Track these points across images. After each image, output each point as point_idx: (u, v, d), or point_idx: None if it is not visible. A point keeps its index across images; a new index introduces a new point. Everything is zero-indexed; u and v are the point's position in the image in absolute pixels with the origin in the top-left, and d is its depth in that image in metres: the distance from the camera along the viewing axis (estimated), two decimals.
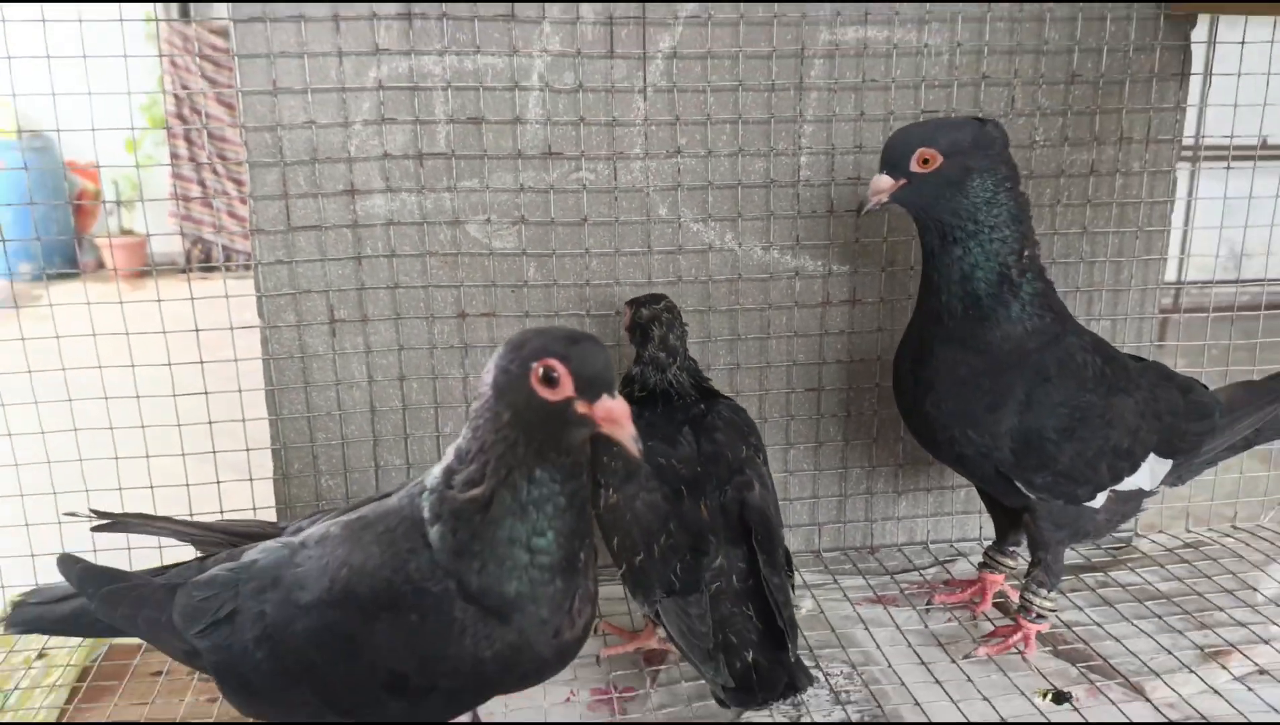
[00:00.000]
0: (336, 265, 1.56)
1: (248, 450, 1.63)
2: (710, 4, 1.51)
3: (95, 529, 1.24)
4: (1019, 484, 1.37)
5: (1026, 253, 1.34)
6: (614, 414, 0.88)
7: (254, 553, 1.08)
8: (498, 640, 0.97)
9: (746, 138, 1.58)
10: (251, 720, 1.21)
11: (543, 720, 1.34)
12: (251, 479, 1.64)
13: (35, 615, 1.16)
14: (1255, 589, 1.63)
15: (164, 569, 1.17)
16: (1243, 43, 1.66)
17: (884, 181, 1.32)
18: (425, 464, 1.66)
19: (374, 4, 1.46)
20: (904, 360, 1.44)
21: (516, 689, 1.10)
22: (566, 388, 0.88)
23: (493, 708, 1.26)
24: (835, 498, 1.77)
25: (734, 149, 1.58)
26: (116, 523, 1.24)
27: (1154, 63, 1.63)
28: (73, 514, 1.28)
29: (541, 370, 0.88)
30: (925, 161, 1.30)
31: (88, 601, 1.11)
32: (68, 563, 1.14)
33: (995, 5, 1.57)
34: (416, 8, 1.47)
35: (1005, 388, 1.33)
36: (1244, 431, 1.51)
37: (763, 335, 1.67)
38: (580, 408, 0.89)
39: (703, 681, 1.37)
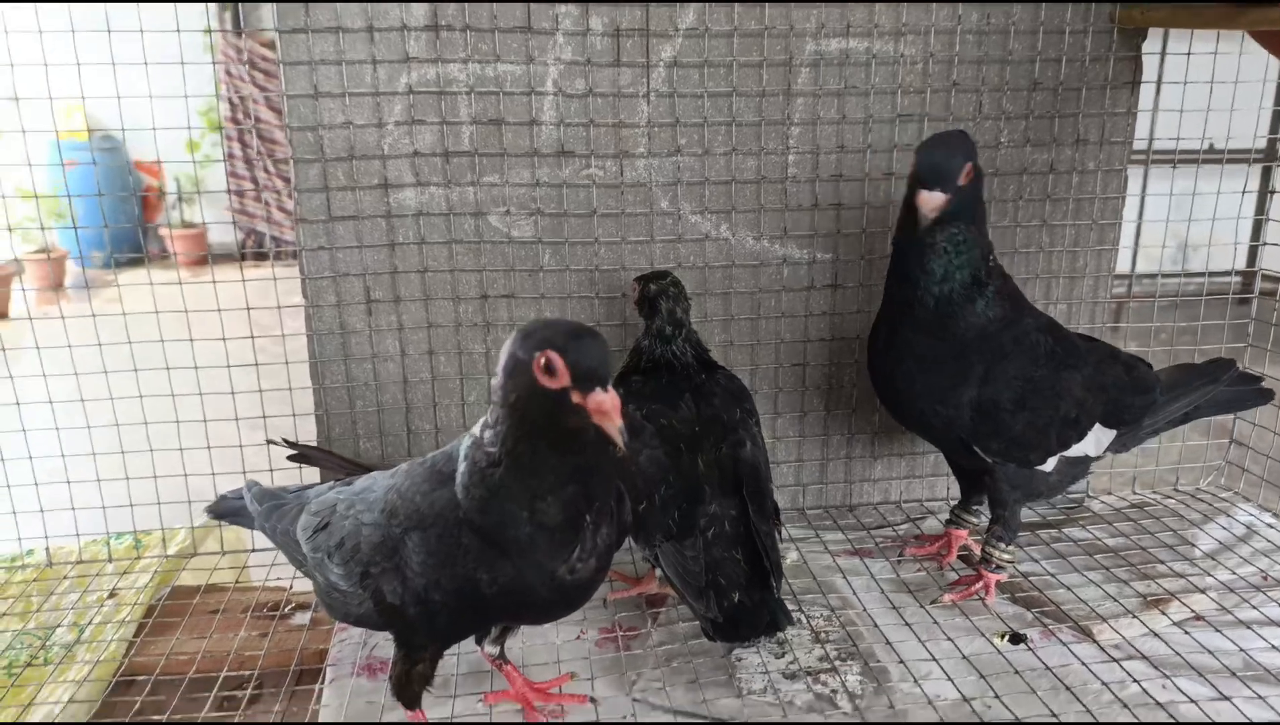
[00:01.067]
0: (372, 251, 1.57)
1: (294, 416, 1.65)
2: (707, 17, 1.51)
3: (291, 458, 1.48)
4: (978, 449, 1.38)
5: (992, 256, 1.35)
6: (604, 406, 0.88)
7: (361, 480, 1.17)
8: (495, 569, 1.00)
9: (740, 138, 1.59)
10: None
11: (555, 656, 1.36)
12: (298, 442, 1.66)
13: (227, 508, 1.37)
14: (1193, 545, 1.64)
15: (308, 487, 1.29)
16: (1189, 54, 1.65)
17: (939, 198, 1.28)
18: (452, 430, 1.68)
19: (405, 15, 1.46)
20: (876, 342, 1.45)
21: (520, 617, 1.13)
22: (564, 378, 0.88)
23: (510, 643, 1.28)
24: (818, 461, 1.78)
25: (728, 148, 1.59)
26: (303, 454, 1.47)
27: (1108, 72, 1.63)
28: (272, 441, 1.50)
29: (544, 361, 0.89)
30: (967, 175, 1.29)
31: (255, 509, 1.28)
32: (251, 484, 1.34)
33: (965, 19, 1.57)
34: (443, 20, 1.47)
35: (967, 366, 1.34)
36: (1183, 408, 1.51)
37: (753, 316, 1.67)
38: (575, 397, 0.89)
39: (697, 620, 1.39)
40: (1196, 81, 1.66)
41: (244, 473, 1.62)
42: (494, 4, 1.47)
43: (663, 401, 1.36)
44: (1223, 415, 1.65)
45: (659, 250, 1.62)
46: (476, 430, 1.02)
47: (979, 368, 1.34)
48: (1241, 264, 1.92)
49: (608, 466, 1.00)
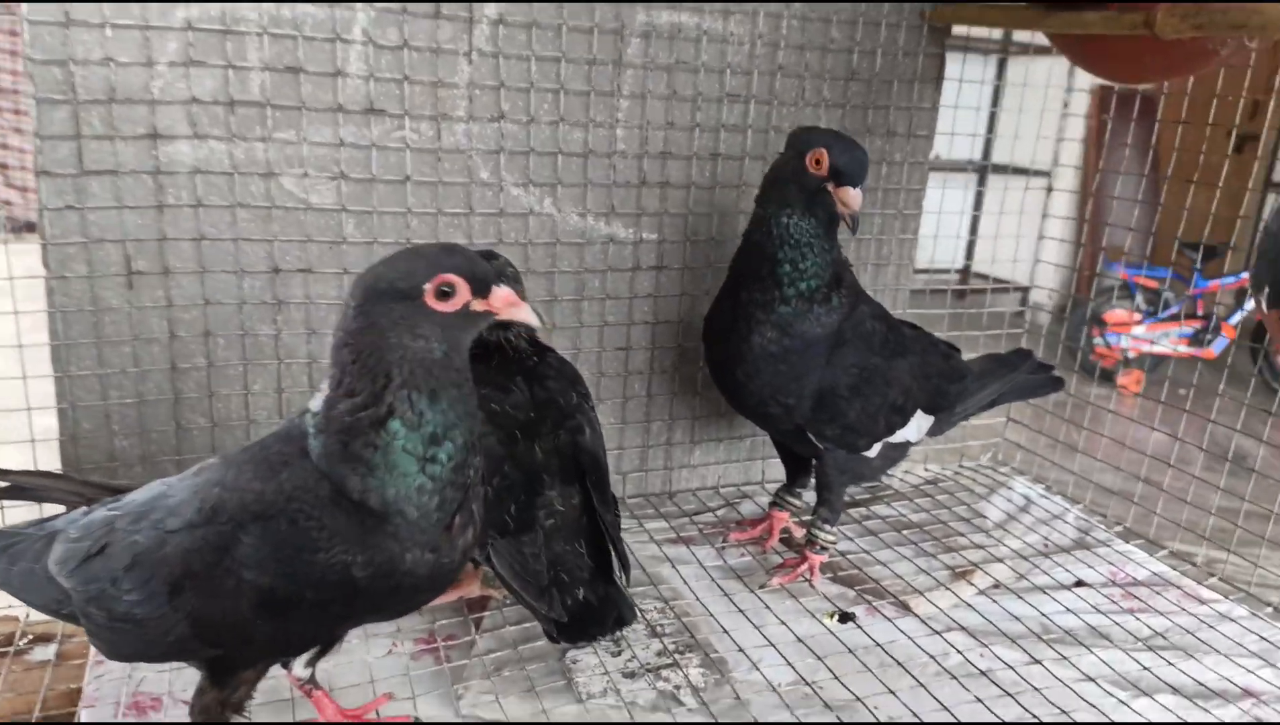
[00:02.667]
0: (135, 214, 1.33)
1: (29, 409, 1.37)
2: None
3: None
4: (811, 436, 1.39)
5: (843, 256, 1.37)
6: (510, 298, 0.88)
7: (135, 493, 0.98)
8: (370, 548, 0.88)
9: (567, 107, 1.50)
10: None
11: (368, 675, 1.21)
12: (34, 441, 1.38)
13: None
14: (985, 517, 1.76)
15: (49, 519, 1.05)
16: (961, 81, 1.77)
17: (861, 196, 1.30)
18: (232, 425, 1.47)
19: None
20: (716, 330, 1.42)
21: (387, 608, 0.99)
22: (463, 294, 0.87)
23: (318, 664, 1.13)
24: (638, 448, 1.74)
25: (555, 117, 1.50)
26: (16, 486, 1.10)
27: (917, 66, 1.70)
28: None
29: (436, 288, 0.85)
30: None
31: None
32: None
33: (790, 4, 1.58)
34: None
35: (812, 358, 1.34)
36: (990, 395, 1.61)
37: (577, 297, 1.60)
38: (478, 306, 0.88)
39: (528, 624, 1.30)
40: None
41: None
42: None
43: (493, 386, 1.25)
44: (1022, 400, 1.78)
45: (478, 224, 1.50)
46: (317, 408, 0.90)
47: (821, 359, 1.34)
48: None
49: (479, 415, 0.94)
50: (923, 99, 1.73)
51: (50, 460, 1.39)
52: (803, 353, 1.33)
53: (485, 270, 0.88)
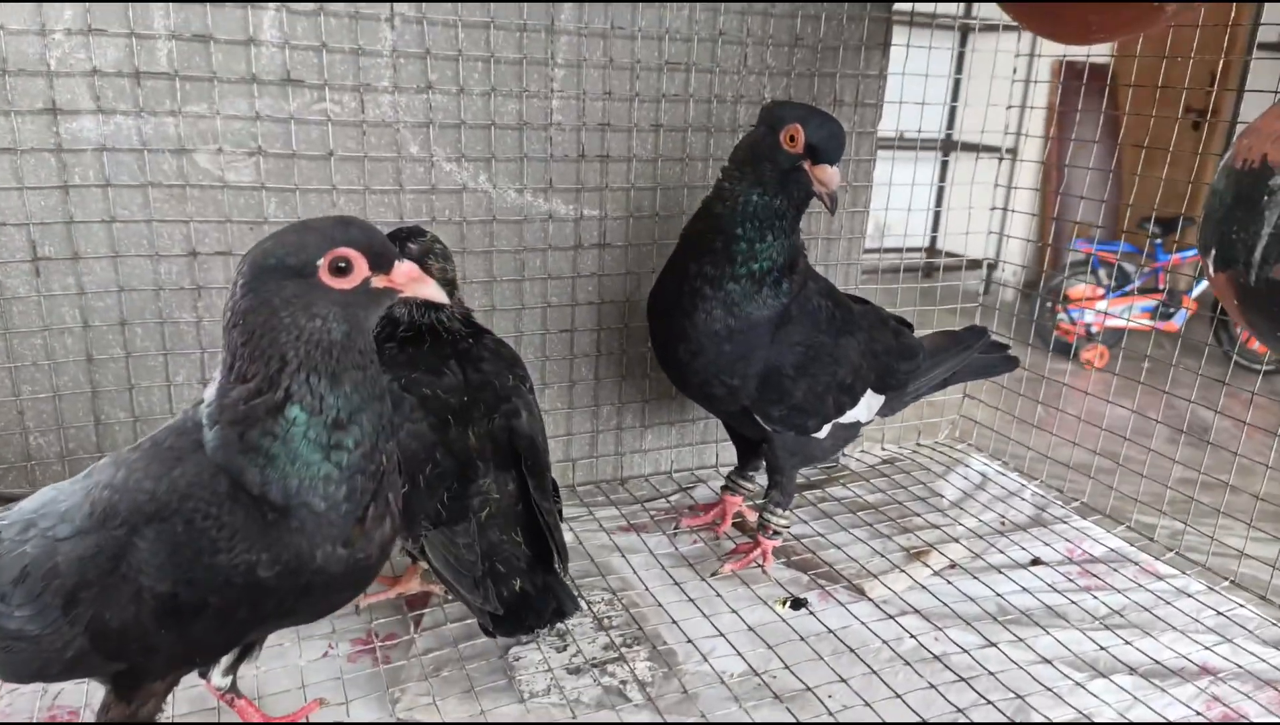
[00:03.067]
0: (38, 195, 1.25)
1: None
2: None
3: None
4: (758, 418, 1.34)
5: (801, 241, 1.31)
6: (412, 273, 0.83)
7: (25, 500, 0.90)
8: (275, 543, 0.82)
9: (499, 77, 1.43)
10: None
11: (299, 680, 1.15)
12: None
13: None
14: (941, 495, 1.73)
15: None
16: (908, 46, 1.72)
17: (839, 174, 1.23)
18: (154, 418, 1.39)
19: None
20: (660, 306, 1.35)
21: (300, 610, 0.91)
22: (361, 269, 0.80)
23: (241, 670, 1.06)
24: (588, 434, 1.68)
25: (487, 88, 1.42)
26: None
27: (863, 32, 1.65)
28: None
29: (330, 263, 0.79)
30: None
31: None
32: None
33: None
34: None
35: (756, 338, 1.28)
36: (943, 374, 1.57)
37: (518, 277, 1.53)
38: (379, 282, 0.82)
39: (470, 622, 1.24)
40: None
41: None
42: None
43: (424, 369, 1.18)
44: (976, 380, 1.74)
45: (409, 202, 1.43)
46: (210, 397, 0.84)
47: (766, 338, 1.28)
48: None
49: (407, 428, 0.90)
50: (869, 65, 1.67)
51: None
52: (748, 333, 1.28)
53: (383, 244, 0.82)
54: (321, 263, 0.79)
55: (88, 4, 1.20)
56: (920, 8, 1.73)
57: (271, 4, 1.28)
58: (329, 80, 1.33)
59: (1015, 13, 1.42)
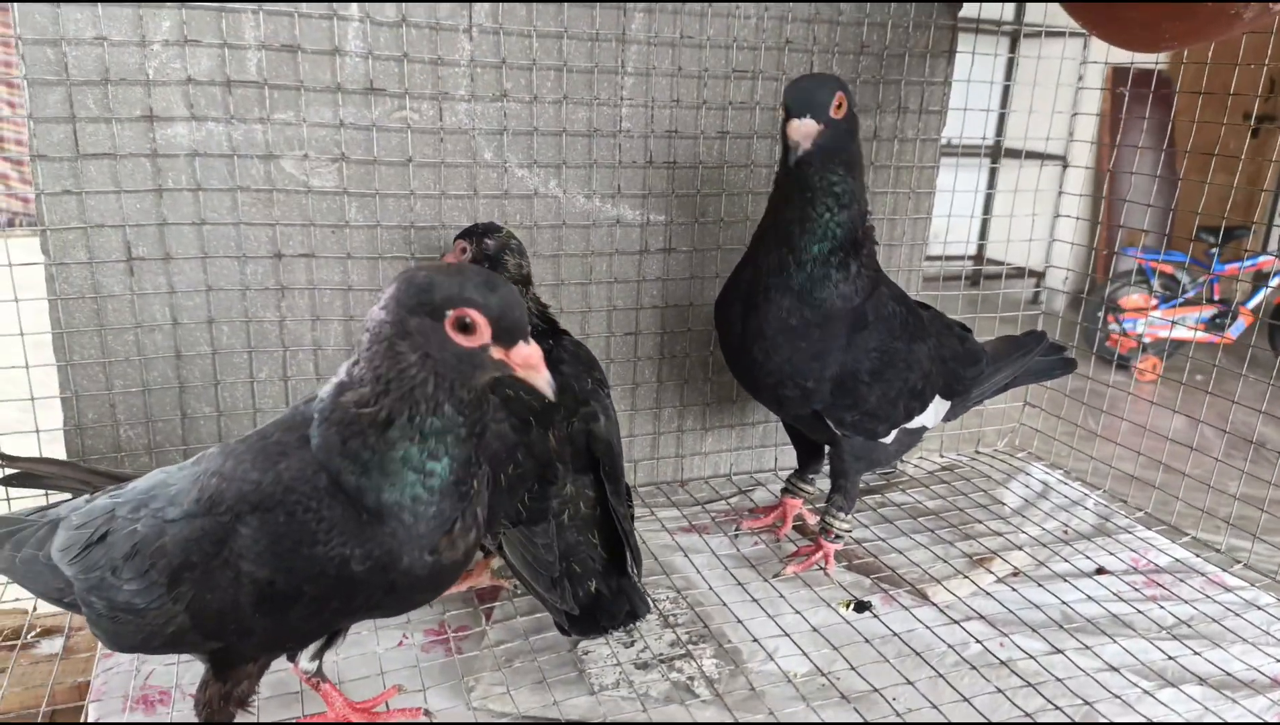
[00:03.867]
0: (134, 198, 1.30)
1: (32, 399, 1.35)
2: None
3: (5, 481, 1.11)
4: (829, 422, 1.35)
5: (869, 215, 1.31)
6: (530, 360, 0.82)
7: (137, 481, 0.95)
8: (368, 541, 0.85)
9: (570, 85, 1.46)
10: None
11: (377, 668, 1.19)
12: (38, 431, 1.36)
13: None
14: (1003, 503, 1.72)
15: (54, 505, 1.03)
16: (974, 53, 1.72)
17: (811, 125, 1.18)
18: (238, 413, 1.44)
19: None
20: (732, 306, 1.35)
21: (386, 605, 0.95)
22: (484, 335, 0.81)
23: (326, 656, 1.10)
24: (650, 436, 1.71)
25: (559, 96, 1.46)
26: (28, 473, 1.11)
27: (929, 39, 1.65)
28: None
29: (457, 318, 0.80)
30: (839, 107, 1.20)
31: None
32: None
33: None
34: None
35: (831, 337, 1.28)
36: (1005, 378, 1.57)
37: (584, 281, 1.56)
38: (496, 354, 0.82)
39: (539, 615, 1.27)
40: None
41: None
42: None
43: None
44: (1036, 382, 1.73)
45: (482, 206, 1.47)
46: (327, 393, 0.87)
47: (842, 339, 1.29)
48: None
49: (490, 429, 0.90)
50: (934, 73, 1.68)
51: (56, 450, 1.37)
52: (823, 327, 1.28)
53: (515, 320, 0.81)
54: (450, 313, 0.80)
55: (184, 14, 1.25)
56: (984, 10, 1.73)
57: (355, 17, 1.32)
58: (409, 89, 1.37)
59: (1084, 19, 1.41)
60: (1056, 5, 1.46)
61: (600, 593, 1.15)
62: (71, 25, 1.21)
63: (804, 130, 1.18)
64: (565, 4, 1.41)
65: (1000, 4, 1.67)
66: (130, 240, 1.32)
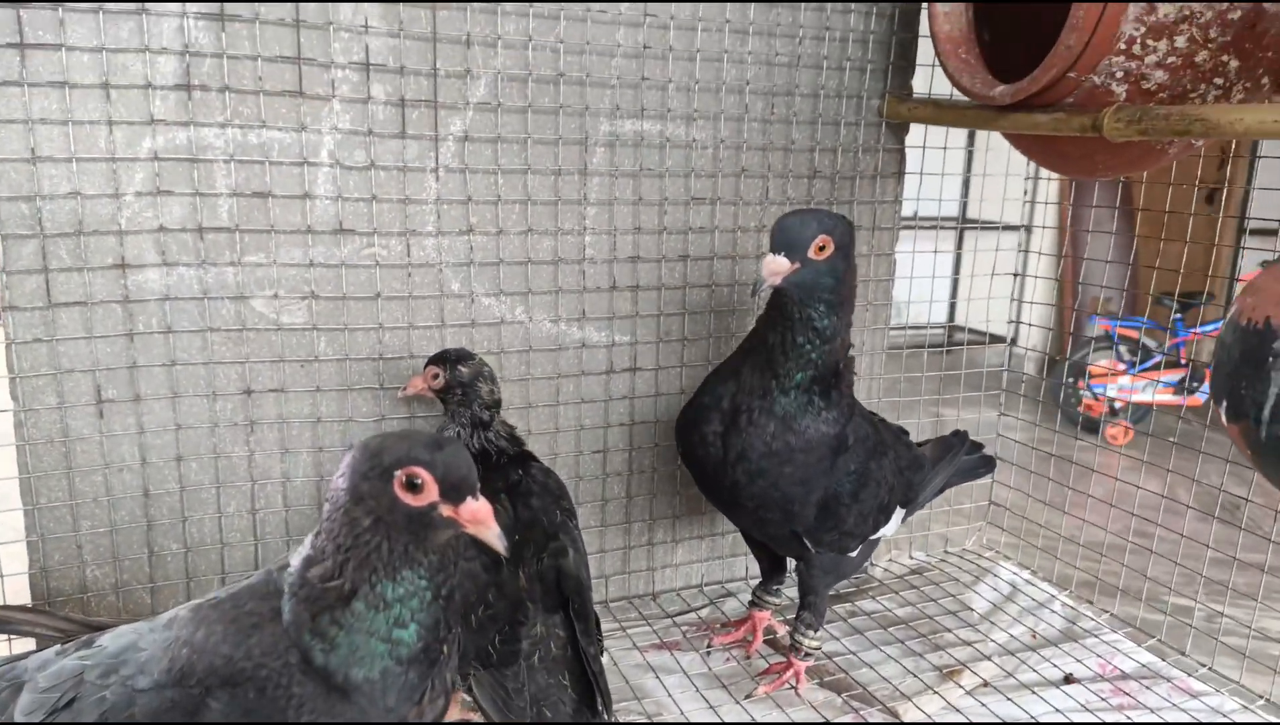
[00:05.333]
0: (105, 343, 1.33)
1: None
2: (500, 92, 1.43)
3: None
4: (808, 542, 1.36)
5: (851, 347, 1.35)
6: (479, 515, 0.83)
7: (105, 638, 0.95)
8: (337, 717, 0.86)
9: (535, 217, 1.51)
10: None
11: None
12: (1, 575, 1.36)
13: None
14: (971, 608, 1.74)
15: (20, 657, 1.02)
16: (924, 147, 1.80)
17: (782, 263, 1.21)
18: (204, 548, 1.45)
19: (150, 72, 1.26)
20: (707, 425, 1.35)
21: None
22: (431, 493, 0.83)
23: None
24: (620, 550, 1.72)
25: (524, 228, 1.51)
26: None
27: (878, 162, 1.73)
28: None
29: (405, 477, 0.82)
30: (821, 249, 1.23)
31: None
32: None
33: (751, 108, 1.60)
34: (196, 79, 1.28)
35: (816, 462, 1.30)
36: (941, 481, 1.61)
37: (553, 402, 1.59)
38: (445, 511, 0.83)
39: None
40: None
41: None
42: (260, 62, 1.31)
43: None
44: (963, 483, 1.77)
45: (450, 335, 1.50)
46: (296, 567, 0.88)
47: (826, 464, 1.31)
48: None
49: (461, 588, 0.92)
50: (885, 193, 1.75)
51: (20, 593, 1.36)
52: (807, 453, 1.29)
53: (463, 478, 0.83)
54: (398, 474, 0.82)
55: (157, 166, 1.29)
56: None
57: (326, 162, 1.37)
58: (378, 227, 1.42)
59: (1024, 149, 1.49)
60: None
61: None
62: (46, 181, 1.25)
63: (772, 267, 1.22)
64: (529, 146, 1.47)
65: (946, 132, 1.74)
66: (100, 383, 1.34)
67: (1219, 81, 1.28)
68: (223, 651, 0.87)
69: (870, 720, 1.39)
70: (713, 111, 1.58)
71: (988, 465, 1.73)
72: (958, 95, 1.50)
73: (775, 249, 1.23)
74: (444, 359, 1.33)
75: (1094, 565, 1.80)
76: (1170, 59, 1.25)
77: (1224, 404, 0.96)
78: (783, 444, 1.29)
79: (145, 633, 0.94)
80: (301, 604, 0.86)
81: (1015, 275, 2.04)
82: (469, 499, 0.83)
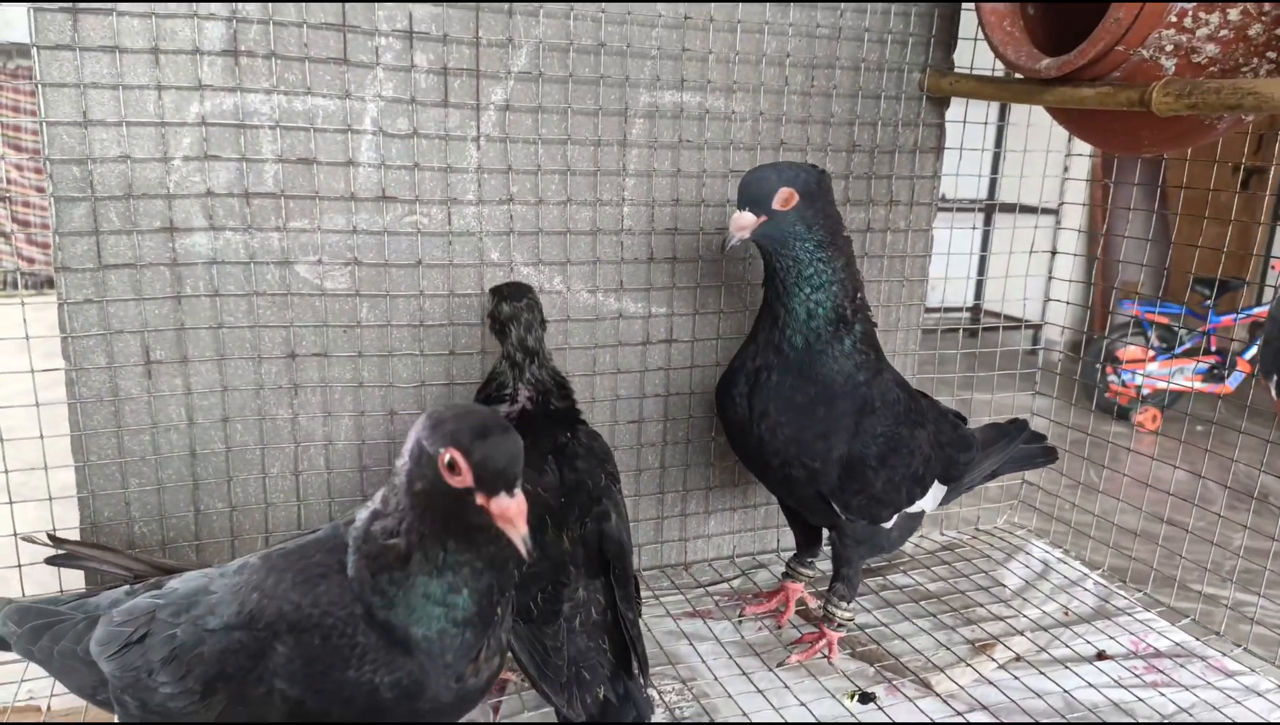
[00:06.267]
0: (154, 305, 1.35)
1: (50, 499, 1.38)
2: (541, 61, 1.43)
3: (50, 561, 1.16)
4: (836, 506, 1.36)
5: (859, 295, 1.35)
6: (508, 513, 0.81)
7: (176, 582, 0.99)
8: (398, 670, 0.88)
9: (574, 188, 1.51)
10: None
11: None
12: (55, 530, 1.38)
13: None
14: (1003, 585, 1.73)
15: (90, 594, 1.07)
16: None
17: (747, 218, 1.26)
18: (249, 508, 1.47)
19: (198, 37, 1.27)
20: (735, 387, 1.37)
21: None
22: (467, 478, 0.82)
23: None
24: (654, 520, 1.73)
25: (563, 198, 1.51)
26: (71, 554, 1.16)
27: (917, 136, 1.71)
28: (29, 539, 1.20)
29: (448, 458, 0.82)
30: (786, 200, 1.26)
31: (12, 631, 1.04)
32: (1, 603, 1.07)
33: (791, 81, 1.59)
34: (244, 45, 1.29)
35: (837, 417, 1.31)
36: (993, 465, 1.59)
37: (589, 372, 1.60)
38: (479, 499, 0.82)
39: (546, 709, 1.28)
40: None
41: None
42: (305, 29, 1.31)
43: (527, 462, 1.24)
44: (1018, 471, 1.76)
45: (489, 304, 1.50)
46: (362, 519, 0.90)
47: (849, 422, 1.31)
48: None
49: (514, 559, 0.90)
50: (924, 168, 1.73)
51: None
52: (828, 406, 1.30)
53: (498, 472, 0.81)
54: (442, 451, 0.82)
55: (204, 131, 1.30)
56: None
57: (369, 130, 1.38)
58: (420, 195, 1.42)
59: (1067, 124, 1.47)
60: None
61: (608, 700, 1.16)
62: (98, 145, 1.27)
63: (737, 222, 1.27)
64: (570, 116, 1.47)
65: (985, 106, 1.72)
66: (149, 344, 1.36)
67: (1272, 55, 1.25)
68: (291, 598, 0.89)
69: (903, 691, 1.39)
70: (753, 84, 1.57)
71: (1048, 456, 1.71)
72: (999, 70, 1.48)
73: (740, 204, 1.27)
74: (497, 290, 1.33)
75: (1126, 546, 1.78)
76: (1222, 32, 1.23)
77: (1274, 379, 0.94)
78: (803, 396, 1.31)
79: (215, 577, 0.96)
80: (363, 559, 0.88)
81: (1053, 252, 2.02)
82: (503, 494, 0.81)
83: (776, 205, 1.26)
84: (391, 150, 1.40)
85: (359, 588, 0.88)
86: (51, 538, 1.19)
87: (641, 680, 1.18)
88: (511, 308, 1.30)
